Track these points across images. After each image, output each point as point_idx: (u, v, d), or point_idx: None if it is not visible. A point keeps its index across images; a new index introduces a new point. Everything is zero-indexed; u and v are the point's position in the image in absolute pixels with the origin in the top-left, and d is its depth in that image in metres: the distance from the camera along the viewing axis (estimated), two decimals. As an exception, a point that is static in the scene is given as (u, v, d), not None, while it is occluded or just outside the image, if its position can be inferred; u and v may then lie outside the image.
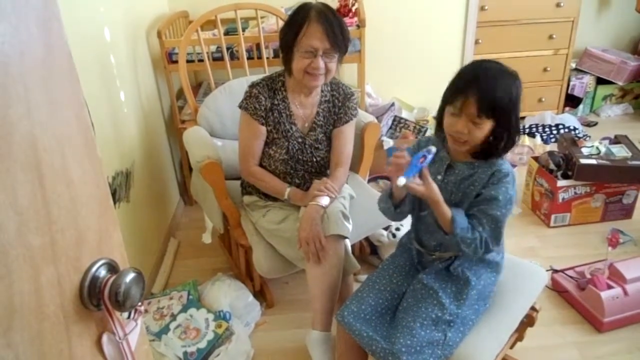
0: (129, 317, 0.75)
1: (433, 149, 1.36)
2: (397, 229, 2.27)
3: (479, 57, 3.39)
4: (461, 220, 1.36)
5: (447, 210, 1.36)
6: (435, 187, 1.37)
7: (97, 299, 0.68)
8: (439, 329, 1.40)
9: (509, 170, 1.40)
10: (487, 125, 1.32)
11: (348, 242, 1.80)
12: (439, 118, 1.44)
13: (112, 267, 0.71)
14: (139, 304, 0.72)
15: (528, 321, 1.63)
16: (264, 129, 1.85)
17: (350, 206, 1.89)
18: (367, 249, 2.40)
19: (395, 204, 1.50)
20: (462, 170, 1.43)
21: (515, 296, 1.56)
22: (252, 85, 1.84)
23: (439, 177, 1.46)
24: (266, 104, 1.82)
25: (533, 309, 1.62)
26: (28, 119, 0.56)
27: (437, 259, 1.52)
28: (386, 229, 2.30)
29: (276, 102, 1.84)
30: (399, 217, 1.57)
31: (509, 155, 3.15)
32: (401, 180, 1.31)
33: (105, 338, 0.70)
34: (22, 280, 0.55)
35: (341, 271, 1.76)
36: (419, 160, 1.34)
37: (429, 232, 1.52)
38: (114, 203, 1.94)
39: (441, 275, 1.50)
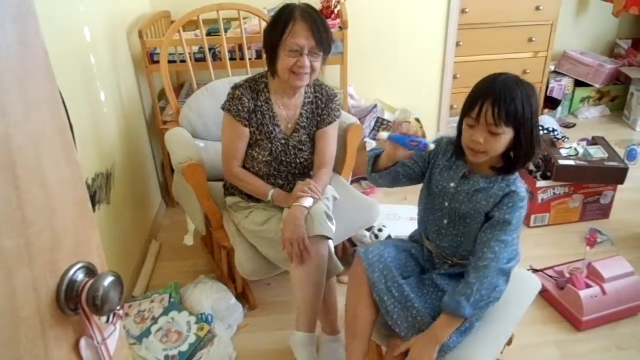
0: (107, 321, 0.74)
1: (432, 146, 1.38)
2: (380, 230, 2.28)
3: (460, 60, 3.44)
4: (465, 307, 1.34)
5: (452, 321, 1.37)
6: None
7: (75, 303, 0.66)
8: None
9: (525, 195, 1.38)
10: (506, 136, 1.30)
11: (331, 244, 1.80)
12: (459, 132, 1.41)
13: (90, 271, 0.70)
14: (118, 308, 0.71)
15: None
16: (247, 130, 1.84)
17: (334, 207, 1.89)
18: (350, 250, 2.40)
19: (376, 168, 1.52)
20: (477, 182, 1.41)
21: (511, 303, 1.54)
22: (235, 87, 1.83)
23: (452, 185, 1.44)
24: (249, 106, 1.82)
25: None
26: (2, 118, 0.55)
27: (454, 265, 1.51)
28: (369, 230, 2.30)
29: (259, 103, 1.83)
30: (371, 179, 1.57)
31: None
32: (383, 135, 1.39)
33: (83, 343, 0.69)
34: (-4, 284, 0.53)
35: (325, 272, 1.76)
36: (412, 141, 1.37)
37: (442, 236, 1.50)
38: (94, 205, 1.91)
39: (454, 278, 1.49)
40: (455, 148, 1.46)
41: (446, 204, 1.46)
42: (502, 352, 1.65)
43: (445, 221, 1.48)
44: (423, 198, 1.56)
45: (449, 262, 1.52)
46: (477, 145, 1.32)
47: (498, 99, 1.27)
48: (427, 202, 1.53)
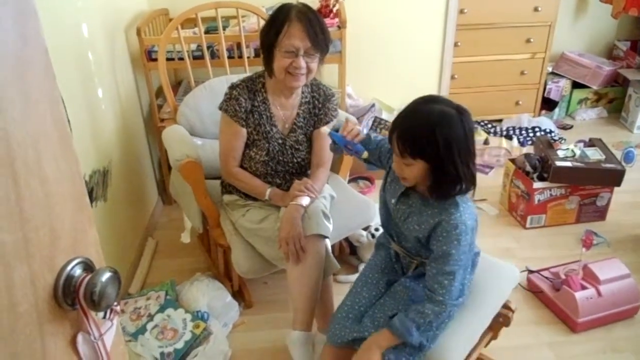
0: (104, 317, 0.74)
1: (365, 154, 1.51)
2: (377, 229, 2.28)
3: (458, 60, 3.46)
4: (414, 335, 1.34)
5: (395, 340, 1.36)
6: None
7: (72, 298, 0.67)
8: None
9: (458, 222, 1.31)
10: (417, 166, 1.28)
11: (328, 242, 1.80)
12: None
13: (88, 266, 0.70)
14: (115, 303, 0.71)
15: (503, 321, 1.65)
16: (244, 130, 1.84)
17: (330, 206, 1.89)
18: (347, 249, 2.41)
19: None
20: (414, 202, 1.40)
21: (486, 295, 1.56)
22: (232, 87, 1.83)
23: (393, 201, 1.45)
24: (246, 106, 1.82)
25: (509, 308, 1.64)
26: (1, 114, 0.55)
27: (420, 265, 1.50)
28: (365, 229, 2.31)
29: (256, 103, 1.83)
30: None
31: (486, 157, 3.20)
32: (325, 130, 1.59)
33: (80, 338, 0.69)
34: (-6, 279, 0.53)
35: (322, 271, 1.76)
36: (348, 145, 1.52)
37: (401, 238, 1.52)
38: (91, 202, 1.91)
39: (422, 278, 1.50)
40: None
41: (391, 215, 1.50)
42: (486, 346, 1.66)
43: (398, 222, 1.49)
44: (379, 201, 1.57)
45: (415, 262, 1.51)
46: (398, 170, 1.35)
47: (402, 130, 1.28)
48: (381, 207, 1.56)
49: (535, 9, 3.37)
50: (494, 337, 1.69)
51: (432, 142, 1.24)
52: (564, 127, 3.73)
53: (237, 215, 1.91)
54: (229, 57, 2.51)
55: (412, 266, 1.53)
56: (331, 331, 1.51)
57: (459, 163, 1.26)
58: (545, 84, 3.71)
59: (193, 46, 2.59)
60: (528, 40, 3.47)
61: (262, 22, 2.11)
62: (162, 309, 1.95)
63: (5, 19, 0.57)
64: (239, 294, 2.19)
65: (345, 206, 1.99)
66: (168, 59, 2.44)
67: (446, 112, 1.26)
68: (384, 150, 1.57)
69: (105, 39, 2.25)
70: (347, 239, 2.35)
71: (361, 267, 2.33)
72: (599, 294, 2.02)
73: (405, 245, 1.52)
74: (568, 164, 2.52)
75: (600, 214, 2.69)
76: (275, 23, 1.71)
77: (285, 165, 1.90)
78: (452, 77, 3.39)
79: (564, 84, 3.79)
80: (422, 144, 1.25)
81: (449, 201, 1.33)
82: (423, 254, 1.48)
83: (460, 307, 1.44)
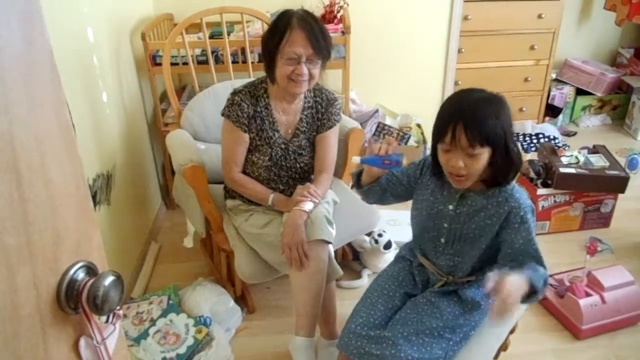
0: (107, 321, 0.74)
1: (404, 161, 1.41)
2: (380, 235, 2.28)
3: (461, 66, 3.46)
4: (531, 273, 1.24)
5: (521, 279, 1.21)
6: None
7: (75, 302, 0.66)
8: (440, 346, 1.39)
9: (526, 205, 1.34)
10: (484, 155, 1.26)
11: (331, 248, 1.80)
12: (434, 156, 1.38)
13: (91, 270, 0.70)
14: (118, 307, 0.71)
15: (510, 330, 1.64)
16: (246, 136, 1.84)
17: (333, 212, 1.88)
18: (350, 255, 2.40)
19: (361, 184, 1.55)
20: (475, 201, 1.38)
21: None
22: (235, 93, 1.83)
23: (451, 207, 1.41)
24: (249, 112, 1.81)
25: (513, 315, 1.63)
26: (6, 116, 0.55)
27: (449, 283, 1.48)
28: (369, 234, 2.30)
29: (259, 109, 1.83)
30: (359, 195, 1.61)
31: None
32: (356, 159, 1.47)
33: (82, 342, 0.69)
34: (-3, 281, 0.53)
35: (325, 276, 1.75)
36: (385, 160, 1.42)
37: (439, 254, 1.48)
38: (94, 206, 1.91)
39: (448, 295, 1.48)
40: (435, 173, 1.42)
41: (445, 225, 1.44)
42: (497, 358, 1.65)
43: (443, 240, 1.45)
44: (416, 217, 1.53)
45: (443, 279, 1.49)
46: (458, 170, 1.28)
47: (467, 119, 1.23)
48: (421, 221, 1.51)
49: (539, 16, 3.37)
50: (504, 349, 1.67)
51: (498, 126, 1.25)
52: (568, 134, 3.72)
53: (240, 220, 1.90)
54: (233, 62, 2.51)
55: (439, 283, 1.50)
56: (344, 340, 1.46)
57: (513, 145, 1.29)
58: (549, 91, 3.71)
59: (197, 51, 2.60)
60: (532, 47, 3.47)
61: (267, 28, 2.11)
62: (164, 314, 1.95)
63: (11, 20, 0.57)
64: (241, 299, 2.18)
65: (348, 212, 1.99)
66: (172, 64, 2.44)
67: (496, 96, 1.29)
68: (406, 173, 1.53)
69: (110, 43, 2.25)
70: (350, 245, 2.35)
71: (364, 272, 2.33)
72: (603, 301, 2.01)
73: (437, 263, 1.50)
74: (572, 170, 2.52)
75: (605, 221, 2.68)
76: (277, 30, 1.70)
77: (288, 170, 1.90)
78: (456, 83, 3.39)
79: (568, 90, 3.79)
80: (491, 129, 1.24)
81: (508, 187, 1.34)
82: (455, 274, 1.46)
83: (478, 325, 1.45)
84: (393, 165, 1.44)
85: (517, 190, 1.37)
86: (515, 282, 1.18)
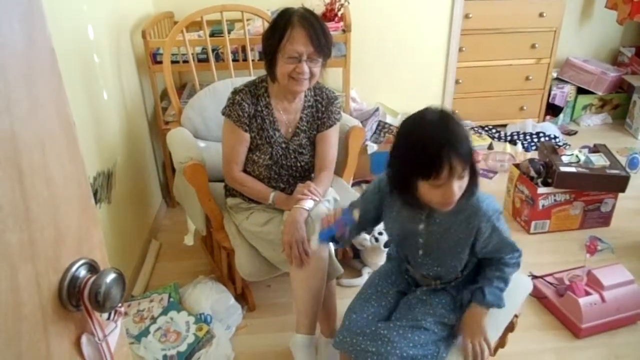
0: (108, 318, 0.74)
1: (356, 214, 1.40)
2: (380, 233, 2.28)
3: (462, 65, 3.45)
4: (492, 298, 1.41)
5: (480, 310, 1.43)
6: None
7: (77, 299, 0.67)
8: (434, 342, 1.41)
9: (494, 212, 1.35)
10: (466, 177, 1.25)
11: (332, 246, 1.80)
12: (402, 186, 1.30)
13: (93, 267, 0.70)
14: (119, 305, 0.71)
15: (508, 327, 1.64)
16: (247, 135, 1.84)
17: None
18: (350, 253, 2.40)
19: (339, 242, 1.55)
20: (443, 218, 1.37)
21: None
22: (235, 92, 1.83)
23: (421, 227, 1.41)
24: (249, 111, 1.81)
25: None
26: (7, 114, 0.55)
27: (437, 285, 1.52)
28: (369, 233, 2.30)
29: (259, 108, 1.83)
30: (347, 245, 1.67)
31: (490, 162, 3.20)
32: (314, 244, 1.52)
33: (84, 339, 0.69)
34: (-1, 279, 0.53)
35: (325, 274, 1.76)
36: (339, 225, 1.43)
37: (419, 264, 1.50)
38: (95, 204, 1.91)
39: (439, 291, 1.50)
40: (402, 199, 1.35)
41: (421, 240, 1.44)
42: (494, 355, 1.65)
43: (421, 252, 1.47)
44: (391, 235, 1.57)
45: (431, 285, 1.52)
46: (455, 198, 1.23)
47: (458, 146, 1.19)
48: (396, 239, 1.56)
49: (541, 15, 3.36)
50: (502, 345, 1.67)
51: (471, 147, 1.24)
52: (569, 133, 3.72)
53: (240, 218, 1.91)
54: (234, 60, 2.51)
55: (429, 284, 1.53)
56: (339, 338, 1.48)
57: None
58: (550, 90, 3.71)
59: (198, 49, 2.60)
60: (533, 46, 3.46)
61: (267, 25, 2.11)
62: (165, 312, 1.95)
63: (12, 19, 0.57)
64: (242, 297, 2.19)
65: (348, 210, 1.99)
66: (173, 62, 2.45)
67: (448, 110, 1.31)
68: (370, 199, 1.50)
69: (110, 41, 2.25)
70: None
71: (365, 270, 2.33)
72: (603, 299, 2.01)
73: (420, 271, 1.52)
74: (572, 169, 2.52)
75: (605, 220, 2.68)
76: (277, 28, 1.70)
77: (288, 169, 1.90)
78: (457, 82, 3.39)
79: (569, 89, 3.79)
80: (470, 152, 1.23)
81: (473, 199, 1.32)
82: (440, 278, 1.49)
83: None
84: (348, 224, 1.43)
85: (482, 199, 1.34)
86: (478, 331, 1.41)
